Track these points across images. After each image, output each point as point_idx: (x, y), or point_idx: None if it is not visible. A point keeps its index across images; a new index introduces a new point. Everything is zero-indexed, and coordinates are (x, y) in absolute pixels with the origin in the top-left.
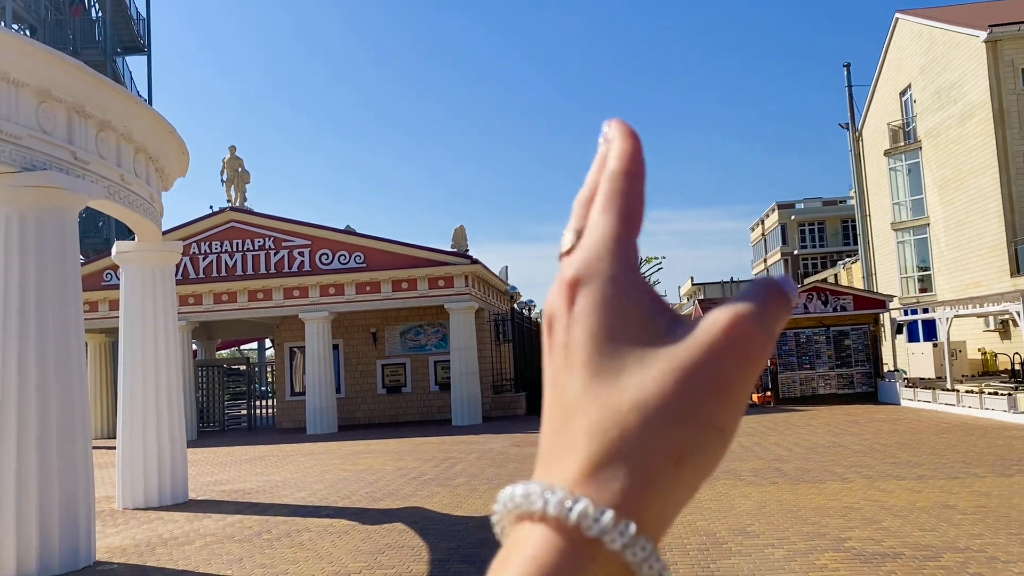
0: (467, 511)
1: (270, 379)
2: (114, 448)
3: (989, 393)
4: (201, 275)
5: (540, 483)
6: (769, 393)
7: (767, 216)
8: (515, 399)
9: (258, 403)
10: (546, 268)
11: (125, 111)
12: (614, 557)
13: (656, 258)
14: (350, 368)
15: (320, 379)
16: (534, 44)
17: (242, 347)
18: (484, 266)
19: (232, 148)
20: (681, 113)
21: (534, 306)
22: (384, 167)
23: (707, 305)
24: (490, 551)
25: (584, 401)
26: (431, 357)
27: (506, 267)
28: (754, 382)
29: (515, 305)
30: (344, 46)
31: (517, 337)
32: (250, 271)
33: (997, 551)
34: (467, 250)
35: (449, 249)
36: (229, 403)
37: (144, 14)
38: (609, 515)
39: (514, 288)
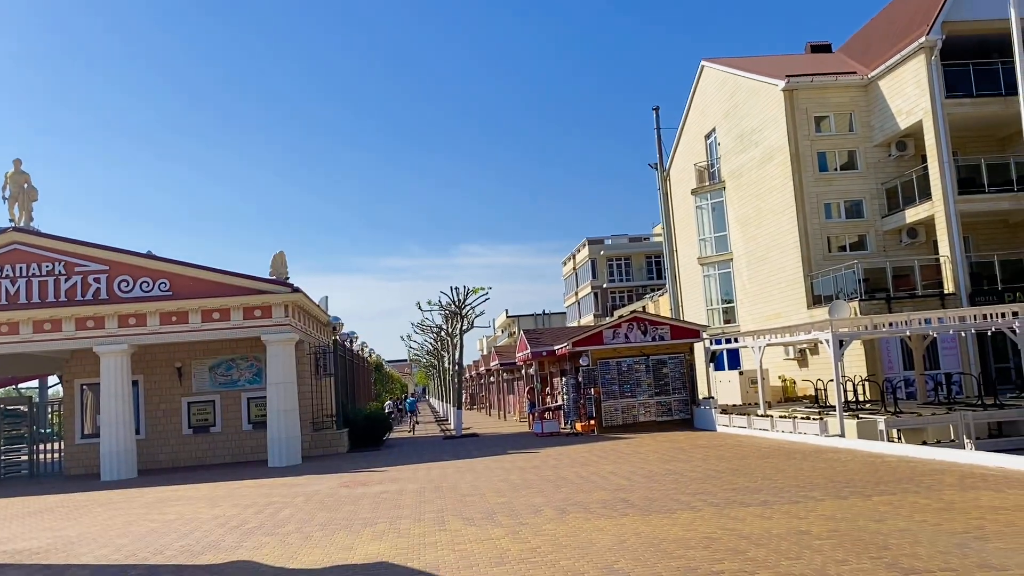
0: (304, 562)
1: (55, 420)
2: None
3: (801, 418)
4: None
5: None
6: (593, 421)
7: (578, 252)
8: (337, 436)
9: (41, 447)
10: (366, 299)
11: None
12: None
13: (482, 288)
14: (151, 407)
15: (117, 419)
16: (347, 80)
17: (20, 385)
18: (305, 295)
19: (17, 162)
20: (492, 155)
21: (356, 337)
22: (195, 188)
23: (531, 335)
24: None
25: None
26: (244, 393)
27: (326, 297)
28: None
29: (337, 336)
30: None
31: (339, 370)
32: (36, 299)
33: None
34: (287, 278)
35: (267, 277)
36: (6, 448)
37: None
38: None
39: (337, 319)
